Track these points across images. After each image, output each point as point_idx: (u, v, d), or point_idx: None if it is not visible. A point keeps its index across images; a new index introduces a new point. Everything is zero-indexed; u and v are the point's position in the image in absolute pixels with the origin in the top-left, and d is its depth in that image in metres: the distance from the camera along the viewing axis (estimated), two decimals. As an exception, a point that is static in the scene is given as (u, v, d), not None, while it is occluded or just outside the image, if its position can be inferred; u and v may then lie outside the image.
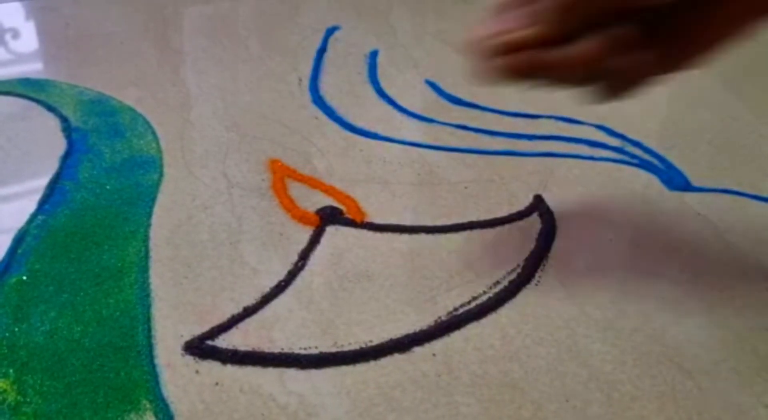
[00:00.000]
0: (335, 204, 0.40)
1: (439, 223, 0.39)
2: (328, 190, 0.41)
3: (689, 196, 0.42)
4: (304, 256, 0.36)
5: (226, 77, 0.53)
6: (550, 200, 0.41)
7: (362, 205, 0.40)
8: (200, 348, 0.31)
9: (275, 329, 0.32)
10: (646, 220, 0.40)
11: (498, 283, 0.35)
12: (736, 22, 0.29)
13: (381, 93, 0.51)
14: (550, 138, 0.47)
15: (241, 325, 0.32)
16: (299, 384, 0.29)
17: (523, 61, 0.29)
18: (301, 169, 0.43)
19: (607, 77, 0.31)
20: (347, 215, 0.39)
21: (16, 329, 0.31)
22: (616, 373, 0.31)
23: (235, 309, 0.33)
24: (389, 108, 0.50)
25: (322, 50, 0.57)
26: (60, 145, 0.44)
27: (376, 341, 0.32)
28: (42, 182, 0.40)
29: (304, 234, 0.38)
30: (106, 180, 0.41)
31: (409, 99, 0.51)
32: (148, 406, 0.28)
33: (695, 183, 0.43)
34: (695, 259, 0.37)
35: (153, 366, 0.30)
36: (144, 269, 0.35)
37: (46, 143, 0.44)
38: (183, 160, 0.43)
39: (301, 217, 0.39)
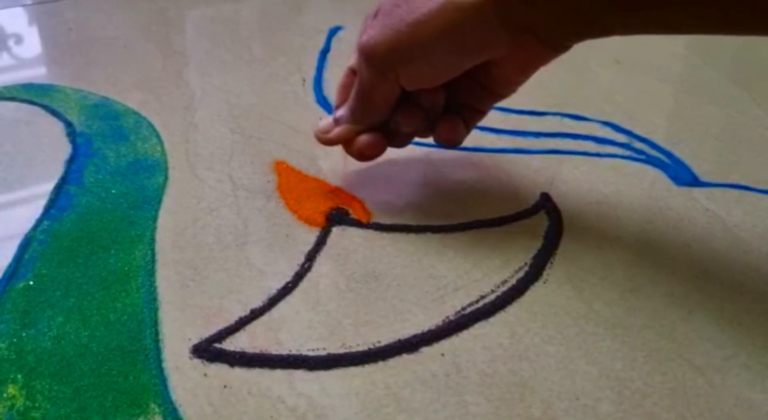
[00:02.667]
0: (341, 205, 0.40)
1: (445, 222, 0.39)
2: (334, 191, 0.41)
3: (697, 192, 0.42)
4: (311, 257, 0.36)
5: (230, 79, 0.53)
6: (557, 198, 0.41)
7: (368, 206, 0.40)
8: (208, 351, 0.31)
9: (283, 331, 0.32)
10: (653, 216, 0.40)
11: (506, 281, 0.35)
12: (514, 78, 0.37)
13: (385, 92, 0.51)
14: (556, 135, 0.47)
15: (249, 327, 0.32)
16: (308, 385, 0.29)
17: (363, 147, 0.39)
18: (307, 170, 0.43)
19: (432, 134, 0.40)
20: (353, 216, 0.39)
21: (24, 334, 0.31)
22: (626, 371, 0.30)
23: (242, 311, 0.33)
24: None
25: (325, 51, 0.57)
26: (64, 149, 0.44)
27: (384, 342, 0.31)
28: (47, 187, 0.40)
29: (311, 235, 0.37)
30: (111, 184, 0.41)
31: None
32: (156, 409, 0.28)
33: (703, 178, 0.43)
34: (704, 254, 0.37)
35: (161, 369, 0.30)
36: (150, 273, 0.35)
37: (50, 148, 0.44)
38: (188, 162, 0.43)
39: (307, 219, 0.38)
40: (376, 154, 0.39)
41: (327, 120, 0.40)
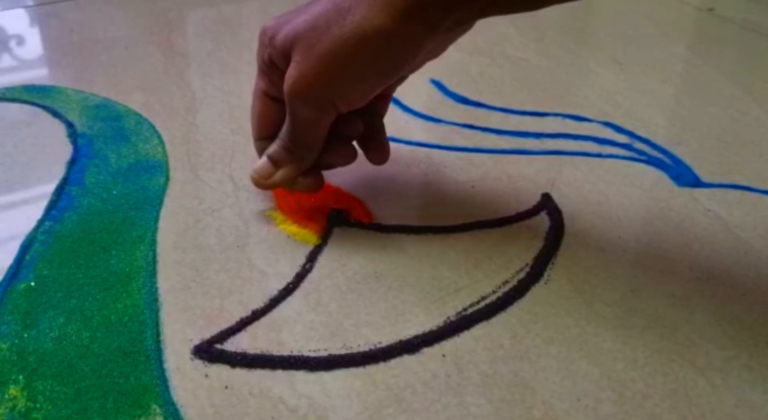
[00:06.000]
0: (342, 205, 0.40)
1: (446, 222, 0.39)
2: (335, 192, 0.41)
3: (698, 192, 0.42)
4: (312, 258, 0.36)
5: (231, 80, 0.53)
6: (558, 198, 0.41)
7: (369, 206, 0.40)
8: (209, 352, 0.31)
9: (284, 332, 0.32)
10: (655, 216, 0.40)
11: (507, 282, 0.35)
12: (425, 62, 0.37)
13: (386, 93, 0.51)
14: (557, 136, 0.47)
15: (250, 328, 0.32)
16: (309, 386, 0.29)
17: (308, 188, 0.38)
18: (308, 170, 0.43)
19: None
20: (354, 216, 0.39)
21: (25, 335, 0.31)
22: (627, 372, 0.30)
23: (244, 312, 0.33)
24: (395, 108, 0.50)
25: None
26: (66, 150, 0.44)
27: (385, 342, 0.31)
28: (49, 188, 0.40)
29: (311, 236, 0.37)
30: (112, 185, 0.41)
31: (414, 99, 0.51)
32: (157, 410, 0.28)
33: (704, 179, 0.43)
34: (705, 255, 0.37)
35: (162, 370, 0.30)
36: (152, 274, 0.35)
37: (52, 149, 0.44)
38: (189, 163, 0.43)
39: (309, 219, 0.38)
40: (319, 189, 0.39)
41: (263, 162, 0.37)
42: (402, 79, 0.38)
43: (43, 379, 0.29)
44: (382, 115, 0.40)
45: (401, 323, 0.32)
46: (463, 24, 0.33)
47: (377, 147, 0.39)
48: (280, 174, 0.37)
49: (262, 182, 0.37)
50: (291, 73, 0.33)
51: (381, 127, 0.40)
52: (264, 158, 0.37)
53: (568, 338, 0.32)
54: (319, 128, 0.35)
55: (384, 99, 0.40)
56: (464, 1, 0.31)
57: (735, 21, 0.68)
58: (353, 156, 0.38)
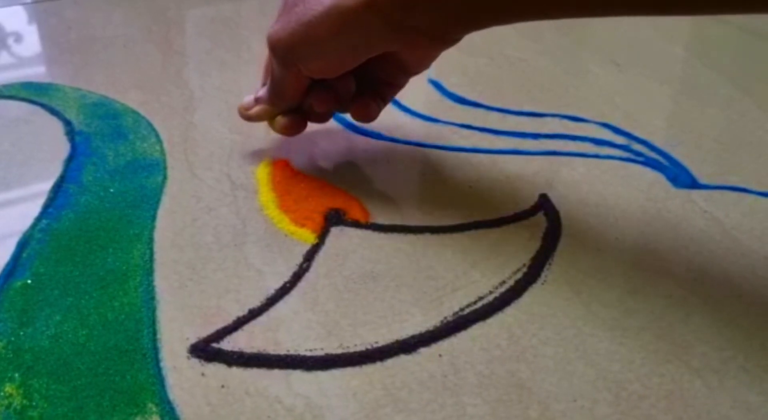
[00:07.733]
0: (339, 205, 0.40)
1: (444, 223, 0.39)
2: (333, 191, 0.41)
3: (695, 194, 0.42)
4: (309, 257, 0.36)
5: (229, 79, 0.53)
6: (556, 199, 0.41)
7: (366, 206, 0.40)
8: (206, 350, 0.31)
9: (281, 331, 0.32)
10: (652, 218, 0.40)
11: (504, 282, 0.35)
12: (421, 62, 0.40)
13: (384, 93, 0.51)
14: (555, 137, 0.47)
15: (247, 327, 0.32)
16: (305, 386, 0.29)
17: (281, 128, 0.42)
18: (306, 170, 0.43)
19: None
20: (352, 216, 0.39)
21: (21, 333, 0.31)
22: (623, 373, 0.30)
23: (241, 311, 0.33)
24: (393, 108, 0.50)
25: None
26: (63, 148, 0.44)
27: (381, 342, 0.31)
28: (46, 186, 0.40)
29: (309, 235, 0.37)
30: (109, 183, 0.41)
31: (412, 99, 0.51)
32: (154, 409, 0.28)
33: (701, 180, 0.43)
34: (702, 256, 0.37)
35: (159, 369, 0.30)
36: (149, 272, 0.35)
37: (49, 147, 0.44)
38: (187, 162, 0.43)
39: (306, 219, 0.38)
40: (296, 132, 0.42)
41: (249, 97, 0.43)
42: (407, 73, 0.41)
43: (39, 377, 0.29)
44: (385, 100, 0.43)
45: (398, 323, 0.32)
46: (436, 30, 0.35)
47: (363, 104, 0.42)
48: (256, 109, 0.42)
49: (242, 112, 0.43)
50: (271, 27, 0.37)
51: (371, 96, 0.42)
52: (251, 95, 0.43)
53: (564, 339, 0.32)
54: (288, 83, 0.39)
55: (389, 87, 0.42)
56: (425, 6, 0.33)
57: (733, 22, 0.68)
58: (333, 105, 0.41)
